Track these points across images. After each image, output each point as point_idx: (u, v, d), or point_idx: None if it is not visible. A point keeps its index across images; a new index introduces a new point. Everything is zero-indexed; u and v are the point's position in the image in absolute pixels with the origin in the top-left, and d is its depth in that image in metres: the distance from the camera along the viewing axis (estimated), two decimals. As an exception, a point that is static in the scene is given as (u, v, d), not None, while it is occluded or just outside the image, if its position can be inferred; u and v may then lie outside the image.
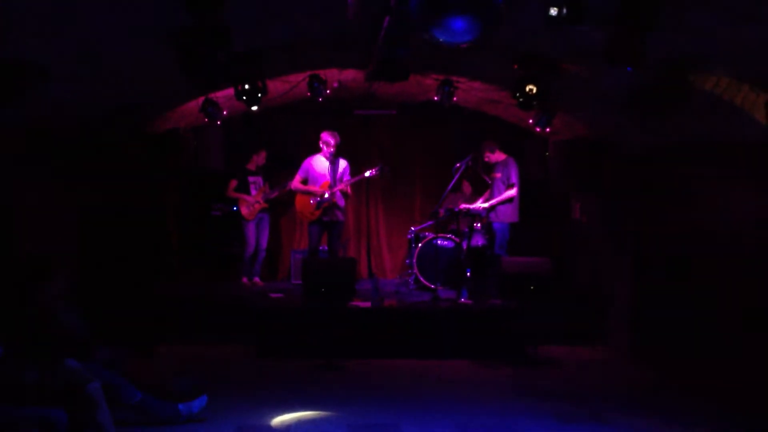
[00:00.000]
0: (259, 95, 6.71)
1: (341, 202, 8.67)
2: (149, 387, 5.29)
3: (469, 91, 8.18)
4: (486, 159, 8.79)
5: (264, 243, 9.57)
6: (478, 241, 8.75)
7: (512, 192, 8.49)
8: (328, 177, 8.55)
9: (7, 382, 4.43)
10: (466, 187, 9.97)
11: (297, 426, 5.39)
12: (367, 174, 8.63)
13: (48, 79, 5.19)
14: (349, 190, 8.75)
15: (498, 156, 8.73)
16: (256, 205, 9.39)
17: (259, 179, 9.51)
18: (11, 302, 4.94)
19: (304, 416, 5.61)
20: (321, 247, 8.98)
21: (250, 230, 9.40)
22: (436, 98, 7.87)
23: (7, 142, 6.05)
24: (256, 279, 9.55)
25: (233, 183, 9.40)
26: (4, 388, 4.39)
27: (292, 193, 9.04)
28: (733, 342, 6.17)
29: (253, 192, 9.42)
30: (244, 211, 9.36)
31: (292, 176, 8.99)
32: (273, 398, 6.04)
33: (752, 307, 5.97)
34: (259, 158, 9.54)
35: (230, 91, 7.07)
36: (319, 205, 8.50)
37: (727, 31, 4.63)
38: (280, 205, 10.40)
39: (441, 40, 3.72)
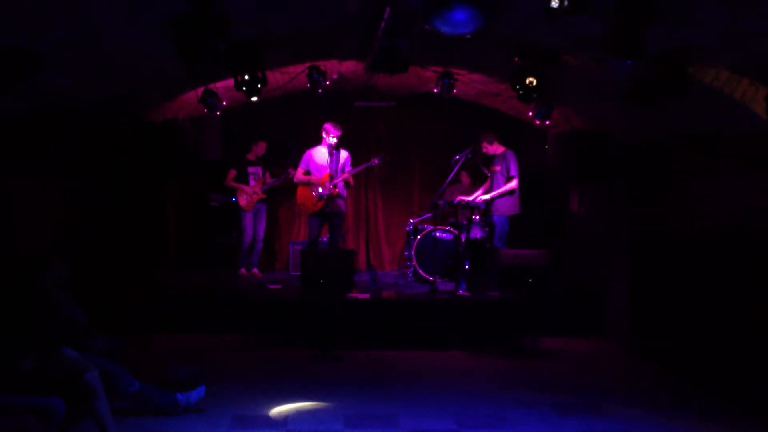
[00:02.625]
0: (259, 86, 6.70)
1: (344, 192, 8.66)
2: (147, 376, 5.29)
3: (469, 84, 8.17)
4: (484, 151, 8.78)
5: (261, 234, 9.56)
6: (477, 233, 8.76)
7: (513, 184, 8.47)
8: (329, 168, 8.54)
9: (4, 371, 4.44)
10: (465, 180, 9.97)
11: (294, 416, 5.40)
12: (370, 164, 8.63)
13: (45, 68, 5.17)
14: (351, 180, 8.74)
15: (496, 148, 8.72)
16: (254, 196, 9.37)
17: (259, 170, 9.50)
18: (10, 291, 4.94)
19: (301, 407, 5.62)
20: (320, 239, 8.99)
21: (248, 221, 9.39)
22: (435, 90, 7.85)
23: (3, 130, 6.04)
24: (255, 270, 9.55)
25: (232, 173, 9.39)
26: (2, 376, 4.40)
27: (293, 183, 9.03)
28: (730, 334, 6.18)
29: (252, 182, 9.40)
30: (242, 201, 9.34)
31: (291, 166, 8.99)
32: (271, 389, 6.05)
33: (750, 299, 5.98)
34: (258, 148, 9.51)
35: (230, 81, 7.06)
36: (321, 197, 8.48)
37: (728, 23, 4.63)
38: (279, 196, 10.39)
39: (442, 31, 3.73)
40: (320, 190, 8.48)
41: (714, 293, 6.42)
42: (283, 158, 9.74)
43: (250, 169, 9.44)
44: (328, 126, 8.47)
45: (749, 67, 5.16)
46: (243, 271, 9.46)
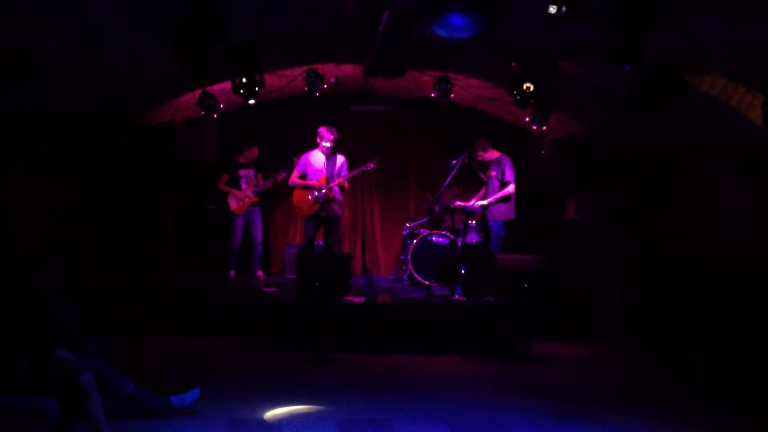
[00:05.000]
0: (257, 89, 6.70)
1: (339, 197, 8.67)
2: (141, 378, 5.27)
3: (466, 89, 8.18)
4: (480, 158, 8.79)
5: (259, 237, 9.53)
6: (473, 238, 8.76)
7: (509, 190, 8.47)
8: (325, 172, 8.53)
9: (-1, 372, 4.43)
10: (462, 184, 9.96)
11: (289, 420, 5.39)
12: (365, 168, 8.65)
13: (45, 69, 5.16)
14: (346, 185, 8.74)
15: (491, 154, 8.73)
16: (246, 200, 9.36)
17: (250, 172, 9.46)
18: (5, 291, 4.93)
19: (296, 410, 5.61)
20: (316, 242, 8.99)
21: (238, 224, 9.38)
22: (432, 95, 7.86)
23: (2, 131, 6.03)
24: (259, 272, 9.52)
25: (224, 177, 9.37)
26: (-4, 377, 4.39)
27: (286, 186, 9.03)
28: (726, 339, 6.19)
29: (244, 186, 9.39)
30: (233, 205, 9.33)
31: (282, 169, 8.99)
32: (265, 392, 6.03)
33: (747, 305, 5.99)
34: (251, 153, 9.47)
35: (227, 84, 7.06)
36: (317, 200, 8.49)
37: (724, 31, 4.65)
38: (275, 199, 10.38)
39: (440, 35, 3.74)
40: (316, 193, 8.49)
41: (710, 299, 6.43)
42: (281, 161, 9.71)
43: (242, 173, 9.41)
44: (322, 130, 8.47)
45: (745, 74, 5.17)
46: (233, 273, 9.44)
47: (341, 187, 8.64)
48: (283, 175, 9.23)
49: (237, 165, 9.40)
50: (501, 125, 9.54)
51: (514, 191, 8.49)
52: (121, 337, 6.03)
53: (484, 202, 8.58)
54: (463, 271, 8.45)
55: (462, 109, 9.48)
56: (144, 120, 8.21)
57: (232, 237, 9.40)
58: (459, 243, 8.55)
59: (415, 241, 9.09)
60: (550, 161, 8.48)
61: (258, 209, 9.53)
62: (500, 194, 8.50)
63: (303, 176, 8.64)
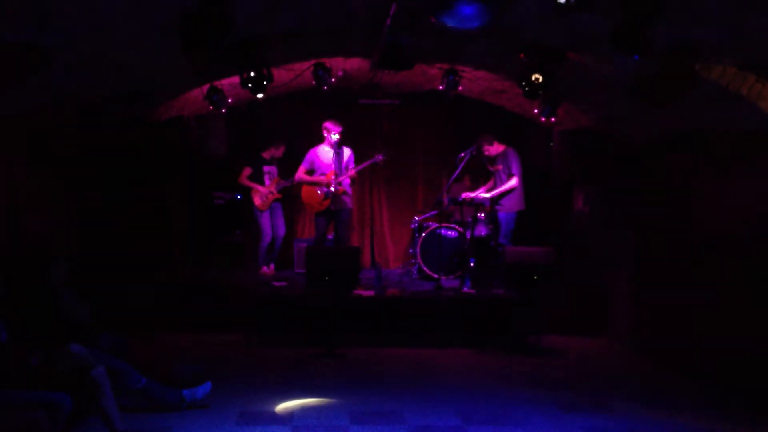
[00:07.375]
0: (265, 83, 6.70)
1: (349, 190, 8.68)
2: (153, 373, 5.32)
3: (474, 81, 8.16)
4: (486, 153, 8.79)
5: (281, 231, 9.48)
6: (482, 230, 8.75)
7: (513, 182, 8.48)
8: (334, 166, 8.53)
9: (12, 366, 4.46)
10: (470, 177, 9.96)
11: (300, 413, 5.41)
12: (374, 160, 8.65)
13: (51, 65, 5.17)
14: (356, 176, 8.75)
15: (497, 148, 8.73)
16: (270, 196, 9.34)
17: (274, 169, 9.44)
18: (16, 287, 4.97)
19: (306, 403, 5.63)
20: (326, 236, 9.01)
21: (265, 220, 9.36)
22: (440, 88, 7.84)
23: (8, 128, 6.05)
24: (272, 266, 9.54)
25: (247, 171, 9.33)
26: (10, 371, 4.42)
27: (299, 184, 9.03)
28: (734, 333, 6.17)
29: (267, 182, 9.38)
30: (257, 201, 9.31)
31: (297, 166, 8.99)
32: (276, 385, 6.06)
33: (754, 298, 5.96)
34: (278, 151, 9.45)
35: (235, 79, 7.06)
36: (327, 195, 8.49)
37: (734, 19, 4.62)
38: (287, 194, 10.39)
39: (449, 25, 3.73)
40: (326, 189, 8.48)
41: (718, 292, 6.40)
42: (288, 156, 9.72)
43: (266, 168, 9.38)
44: (328, 124, 8.46)
45: (756, 63, 5.14)
46: (265, 269, 9.40)
47: (351, 179, 8.65)
48: (294, 177, 9.24)
49: (261, 161, 9.41)
50: (509, 117, 9.51)
51: (517, 184, 8.50)
52: (132, 333, 6.07)
53: (488, 195, 8.59)
54: (472, 264, 8.44)
55: (470, 101, 9.45)
56: (152, 116, 8.22)
57: (262, 234, 9.37)
58: (468, 236, 8.55)
59: (423, 234, 9.08)
60: (558, 153, 8.46)
61: (279, 204, 9.52)
62: (503, 188, 8.51)
63: (310, 172, 8.65)
